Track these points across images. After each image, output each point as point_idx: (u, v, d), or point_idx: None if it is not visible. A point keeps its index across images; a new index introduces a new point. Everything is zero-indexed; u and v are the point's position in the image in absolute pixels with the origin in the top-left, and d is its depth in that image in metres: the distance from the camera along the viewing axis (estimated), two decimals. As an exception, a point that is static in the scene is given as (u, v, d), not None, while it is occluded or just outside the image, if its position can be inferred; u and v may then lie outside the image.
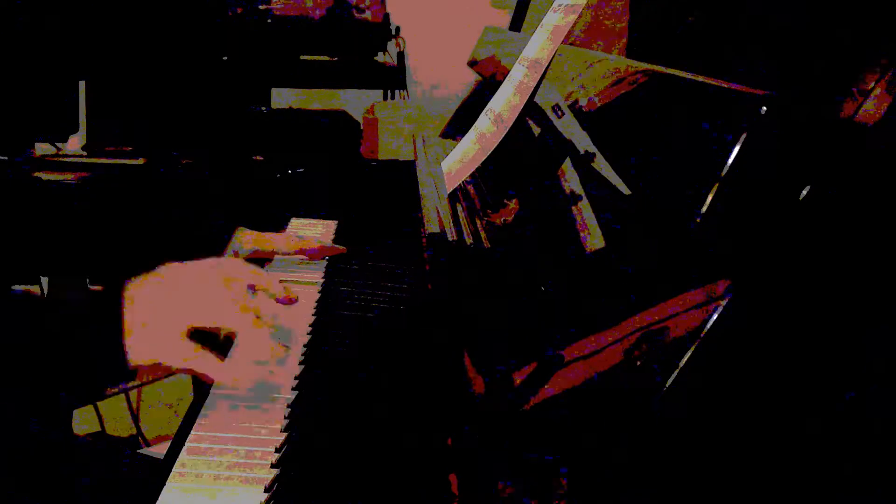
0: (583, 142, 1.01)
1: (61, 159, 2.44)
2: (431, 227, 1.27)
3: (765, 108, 0.67)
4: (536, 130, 1.22)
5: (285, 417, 0.97)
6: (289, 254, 1.46)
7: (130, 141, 2.50)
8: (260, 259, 1.44)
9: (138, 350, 0.95)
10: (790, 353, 0.63)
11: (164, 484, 0.85)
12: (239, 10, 2.78)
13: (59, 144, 2.50)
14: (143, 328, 0.96)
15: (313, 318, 1.26)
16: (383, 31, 3.03)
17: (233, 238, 1.39)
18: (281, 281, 1.29)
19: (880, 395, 0.64)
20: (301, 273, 1.45)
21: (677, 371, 0.62)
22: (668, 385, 0.62)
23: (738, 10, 1.05)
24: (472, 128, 1.46)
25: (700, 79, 0.83)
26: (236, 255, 1.38)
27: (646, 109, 0.92)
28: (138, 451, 2.10)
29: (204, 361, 0.96)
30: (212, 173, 2.43)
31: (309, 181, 2.16)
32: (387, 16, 3.04)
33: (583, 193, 0.95)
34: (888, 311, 0.64)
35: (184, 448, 0.91)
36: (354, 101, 3.29)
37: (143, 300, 0.97)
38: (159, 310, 0.97)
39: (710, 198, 0.68)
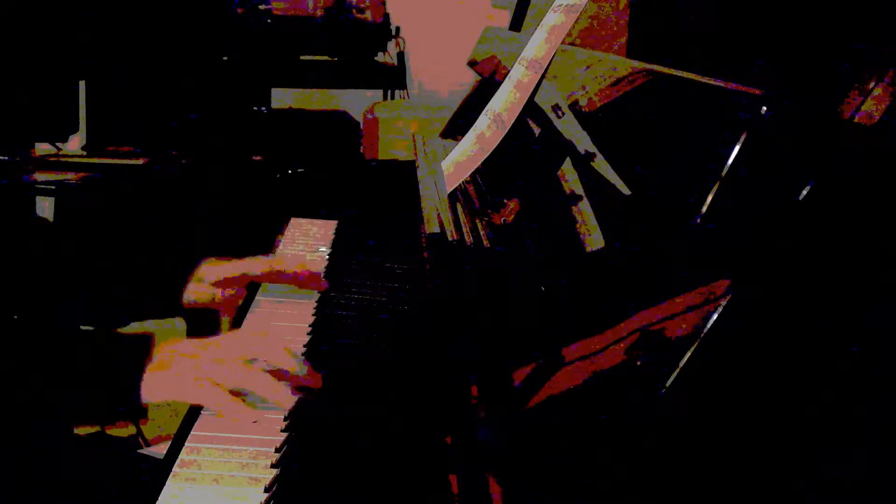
0: (583, 142, 1.01)
1: (61, 159, 2.44)
2: (431, 227, 1.27)
3: (765, 108, 0.67)
4: (536, 130, 1.22)
5: (285, 418, 0.97)
6: (260, 277, 1.34)
7: (130, 141, 2.50)
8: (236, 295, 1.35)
9: (154, 390, 0.97)
10: (790, 353, 0.63)
11: (164, 484, 0.85)
12: (239, 11, 2.78)
13: (59, 144, 2.50)
14: (163, 371, 0.98)
15: (313, 318, 1.26)
16: (383, 31, 3.03)
17: (196, 270, 1.30)
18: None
19: (881, 395, 0.64)
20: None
21: (677, 371, 0.62)
22: (668, 385, 0.62)
23: (739, 10, 1.05)
24: (472, 128, 1.45)
25: (700, 79, 0.83)
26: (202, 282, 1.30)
27: (646, 109, 0.92)
28: (138, 451, 2.09)
29: (220, 402, 0.97)
30: (212, 174, 2.43)
31: (309, 181, 2.16)
32: (387, 16, 3.04)
33: (583, 193, 0.95)
34: (889, 310, 0.64)
35: (184, 448, 0.91)
36: (354, 101, 3.29)
37: (168, 350, 1.00)
38: (182, 360, 0.99)
39: (710, 198, 0.68)
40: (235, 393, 0.98)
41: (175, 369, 0.99)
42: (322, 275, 1.37)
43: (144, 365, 0.98)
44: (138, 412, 0.99)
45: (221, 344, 1.02)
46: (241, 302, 1.36)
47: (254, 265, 1.32)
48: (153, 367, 0.98)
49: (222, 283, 1.30)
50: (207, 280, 1.30)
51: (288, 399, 0.98)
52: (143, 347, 1.00)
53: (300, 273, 1.33)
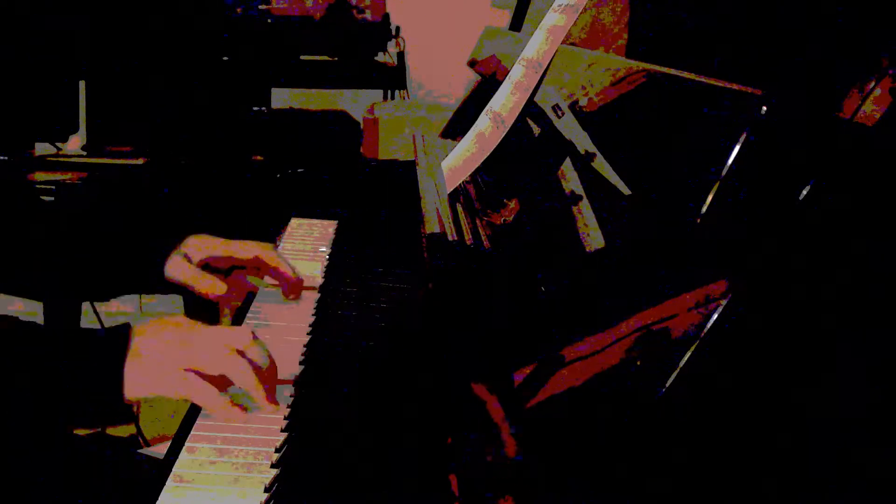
0: (583, 142, 1.01)
1: (61, 159, 2.45)
2: (431, 227, 1.27)
3: (765, 108, 0.67)
4: (536, 130, 1.22)
5: (285, 418, 0.97)
6: (244, 261, 1.28)
7: (130, 141, 2.51)
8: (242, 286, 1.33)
9: (136, 385, 0.95)
10: (790, 353, 0.63)
11: (164, 484, 0.85)
12: (239, 11, 2.79)
13: (59, 144, 2.51)
14: (142, 363, 0.95)
15: (313, 318, 1.26)
16: (383, 31, 3.03)
17: (183, 242, 1.26)
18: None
19: (880, 394, 0.64)
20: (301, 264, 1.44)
21: (677, 371, 0.62)
22: (668, 385, 0.62)
23: (738, 10, 1.05)
24: (472, 128, 1.45)
25: (700, 79, 0.83)
26: (187, 258, 1.26)
27: (646, 109, 0.92)
28: (138, 451, 2.10)
29: (204, 393, 0.96)
30: (212, 174, 2.43)
31: (309, 181, 2.16)
32: (387, 16, 3.04)
33: (583, 193, 0.95)
34: (888, 310, 0.64)
35: (184, 448, 0.91)
36: (354, 101, 3.29)
37: (146, 342, 0.96)
38: (161, 350, 0.96)
39: (710, 198, 0.68)
40: (221, 388, 0.97)
41: (156, 361, 0.95)
42: (315, 286, 1.35)
43: (123, 360, 0.94)
44: (124, 409, 0.96)
45: (205, 334, 0.98)
46: (240, 303, 1.35)
47: (241, 248, 1.27)
48: (132, 357, 0.94)
49: (209, 261, 1.26)
50: (193, 256, 1.25)
51: (274, 400, 0.97)
52: (120, 340, 0.96)
53: (285, 273, 1.29)
